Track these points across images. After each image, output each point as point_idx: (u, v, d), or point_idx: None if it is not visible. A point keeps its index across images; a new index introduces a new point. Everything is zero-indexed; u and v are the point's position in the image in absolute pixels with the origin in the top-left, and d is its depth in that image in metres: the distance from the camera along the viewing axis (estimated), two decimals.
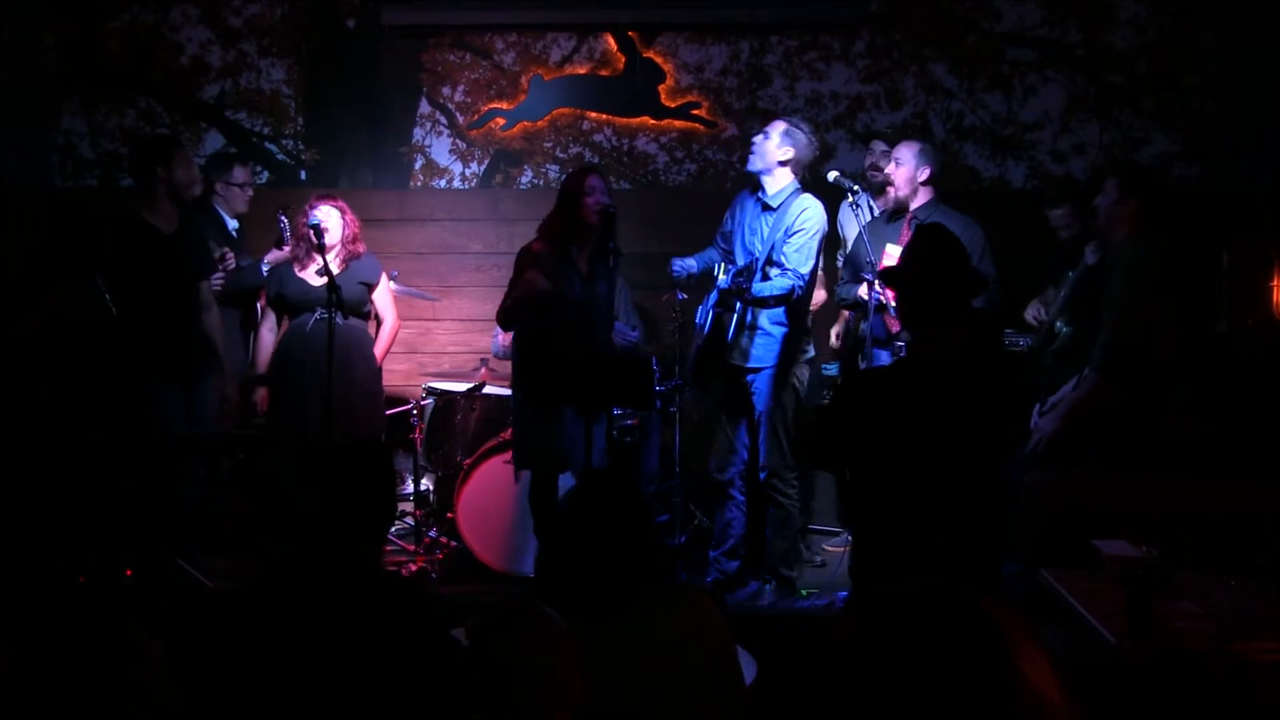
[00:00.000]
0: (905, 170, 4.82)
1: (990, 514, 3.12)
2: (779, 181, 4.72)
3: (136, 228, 4.73)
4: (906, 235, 4.71)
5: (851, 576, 3.46)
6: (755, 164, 4.74)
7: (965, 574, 2.84)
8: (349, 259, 5.05)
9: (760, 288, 4.60)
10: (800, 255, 4.64)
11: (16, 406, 5.13)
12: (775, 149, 4.68)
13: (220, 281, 5.21)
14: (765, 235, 4.70)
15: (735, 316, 4.69)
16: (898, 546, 3.09)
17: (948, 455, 3.05)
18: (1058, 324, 4.76)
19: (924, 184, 4.84)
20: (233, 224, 5.65)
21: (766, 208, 4.73)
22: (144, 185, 4.77)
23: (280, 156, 6.60)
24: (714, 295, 4.77)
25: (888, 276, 3.68)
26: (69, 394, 5.08)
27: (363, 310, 5.16)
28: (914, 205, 4.86)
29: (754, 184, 4.81)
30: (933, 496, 3.06)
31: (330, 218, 4.97)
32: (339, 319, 4.74)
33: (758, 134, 4.80)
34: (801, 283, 4.67)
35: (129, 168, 4.84)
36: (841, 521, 5.53)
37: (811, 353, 4.95)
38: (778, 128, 4.72)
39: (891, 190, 4.87)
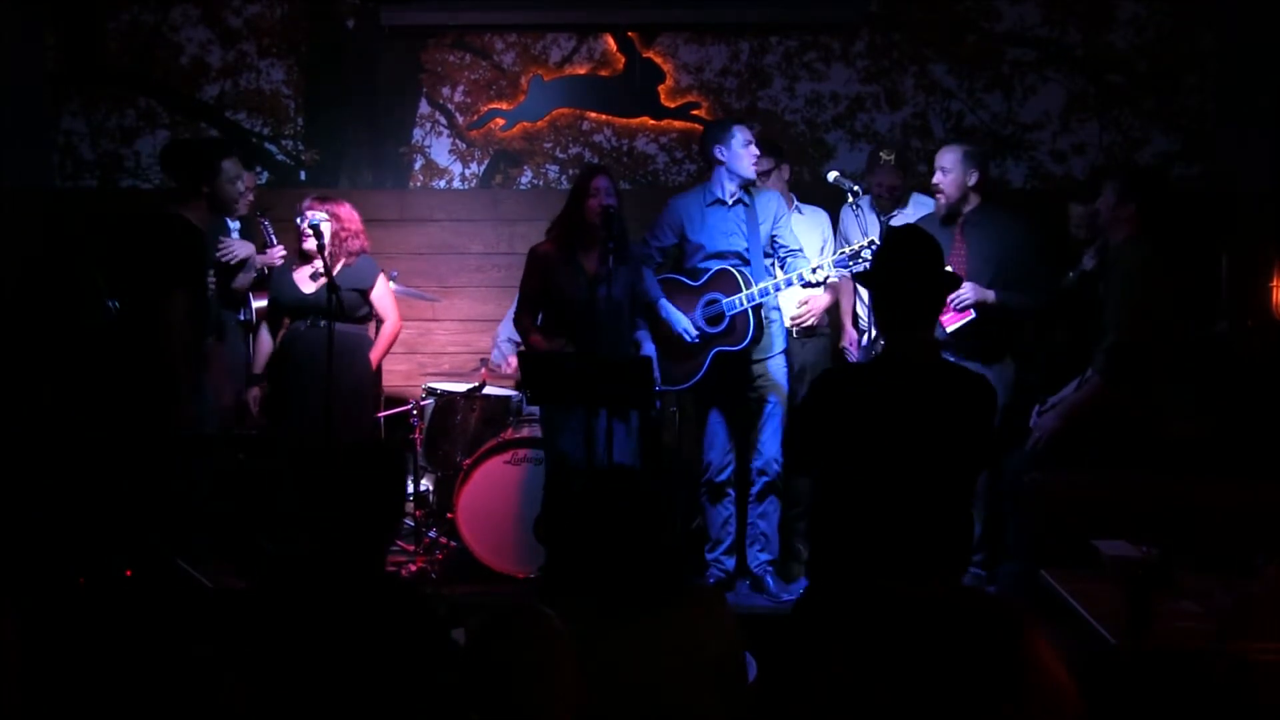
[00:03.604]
0: (953, 176, 4.68)
1: (958, 519, 3.06)
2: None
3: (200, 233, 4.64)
4: (960, 242, 4.67)
5: (809, 573, 3.41)
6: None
7: (928, 577, 2.83)
8: (346, 262, 4.98)
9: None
10: (794, 235, 4.95)
11: (16, 406, 5.11)
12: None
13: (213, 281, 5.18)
14: (746, 231, 4.78)
15: (752, 315, 4.72)
16: (861, 547, 3.01)
17: (917, 457, 2.98)
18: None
19: (973, 188, 4.71)
20: (234, 225, 5.64)
21: (738, 203, 4.82)
22: (196, 188, 4.57)
23: (280, 157, 6.60)
24: (741, 303, 4.72)
25: (863, 278, 3.64)
26: (69, 394, 5.06)
27: (358, 315, 5.08)
28: (966, 209, 4.72)
29: (710, 193, 4.87)
30: (900, 498, 2.98)
31: (322, 223, 4.86)
32: (323, 324, 4.71)
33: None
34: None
35: (189, 168, 4.63)
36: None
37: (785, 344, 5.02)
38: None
39: (941, 198, 4.77)
